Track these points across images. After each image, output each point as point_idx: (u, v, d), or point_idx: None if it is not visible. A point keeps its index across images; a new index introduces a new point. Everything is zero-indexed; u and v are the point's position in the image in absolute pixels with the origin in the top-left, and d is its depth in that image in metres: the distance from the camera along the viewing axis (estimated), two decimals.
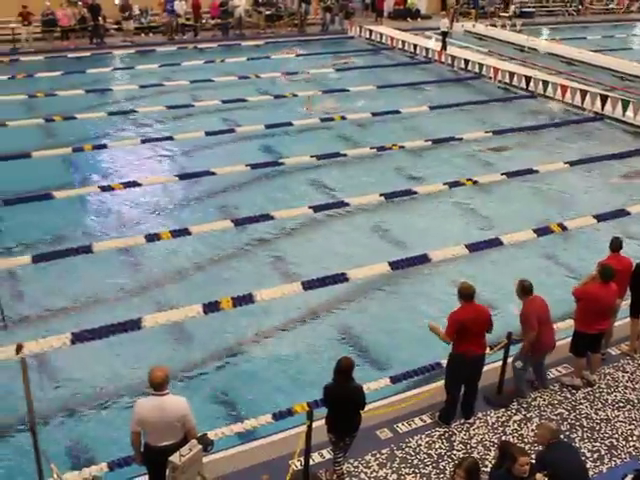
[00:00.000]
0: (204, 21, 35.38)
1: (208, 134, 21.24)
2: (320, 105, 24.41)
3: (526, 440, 9.47)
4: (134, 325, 11.84)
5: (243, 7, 35.46)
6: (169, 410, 7.45)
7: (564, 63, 32.84)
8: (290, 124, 22.46)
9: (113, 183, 17.90)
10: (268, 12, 36.95)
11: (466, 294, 9.38)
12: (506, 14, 43.61)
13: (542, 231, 15.69)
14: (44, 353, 11.23)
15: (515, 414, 10.01)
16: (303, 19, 37.38)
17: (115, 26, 33.81)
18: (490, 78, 29.01)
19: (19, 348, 10.59)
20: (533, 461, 7.93)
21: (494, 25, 40.73)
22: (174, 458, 7.03)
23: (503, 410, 10.08)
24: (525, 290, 9.85)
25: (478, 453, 9.24)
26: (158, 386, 7.44)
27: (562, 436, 9.03)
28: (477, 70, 29.81)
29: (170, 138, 21.06)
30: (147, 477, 7.94)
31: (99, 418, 10.26)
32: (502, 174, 18.83)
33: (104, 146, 20.52)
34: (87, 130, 21.86)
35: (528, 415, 9.99)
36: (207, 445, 7.56)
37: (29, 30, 31.12)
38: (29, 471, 7.96)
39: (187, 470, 7.11)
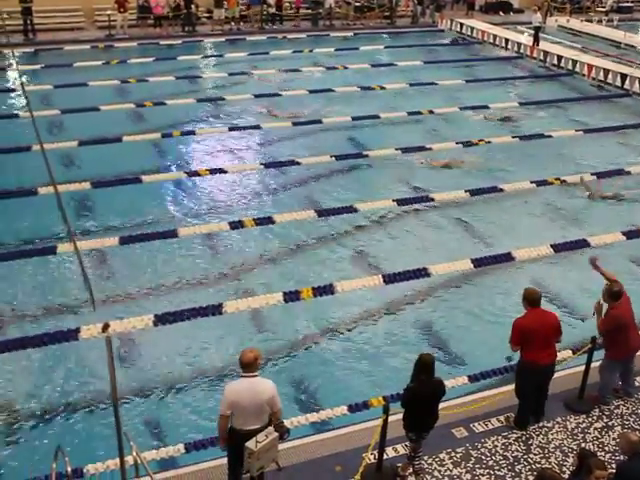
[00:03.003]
0: (293, 11, 35.55)
1: (295, 124, 21.36)
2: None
3: (607, 449, 9.21)
4: (215, 310, 12.03)
5: None
6: (260, 391, 7.47)
7: None
8: (377, 117, 22.35)
9: (200, 169, 18.21)
10: (358, 3, 36.89)
11: (531, 299, 9.12)
12: (602, 9, 42.30)
13: (633, 234, 15.21)
14: (127, 333, 11.54)
15: (596, 421, 9.75)
16: (393, 11, 37.16)
17: (207, 14, 34.28)
18: (584, 75, 28.26)
19: (105, 327, 10.89)
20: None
21: (589, 20, 39.55)
22: (250, 444, 7.11)
23: (584, 416, 9.83)
24: (612, 295, 9.54)
25: (556, 459, 9.04)
26: (248, 366, 7.46)
27: None
28: (570, 67, 29.07)
29: (257, 127, 21.27)
30: (226, 461, 8.01)
31: (176, 400, 10.47)
32: (592, 174, 18.31)
33: (192, 132, 20.86)
34: (176, 116, 22.26)
35: (610, 423, 9.70)
36: (283, 433, 7.61)
37: (124, 17, 31.89)
38: (110, 448, 8.15)
39: (262, 456, 7.18)
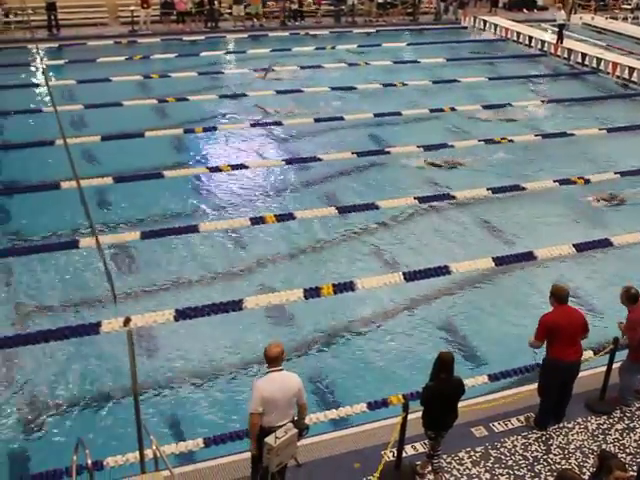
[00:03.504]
0: (316, 7, 35.53)
1: (317, 120, 21.37)
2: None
3: (628, 450, 9.14)
4: (235, 306, 12.06)
5: None
6: (290, 385, 7.46)
7: None
8: (399, 113, 22.29)
9: (221, 165, 18.26)
10: (380, 0, 36.76)
11: (559, 296, 9.06)
12: (628, 6, 41.87)
13: None
14: (148, 327, 11.61)
15: (617, 422, 9.66)
16: (416, 8, 37.02)
17: (229, 10, 34.31)
18: (608, 73, 28.01)
19: (127, 321, 10.95)
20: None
21: (614, 18, 39.21)
22: (270, 439, 7.12)
23: (605, 417, 9.75)
24: (630, 298, 9.45)
25: (576, 459, 8.97)
26: (275, 360, 7.43)
27: None
28: (594, 65, 28.83)
29: (279, 123, 21.28)
30: (251, 462, 7.96)
31: (195, 395, 10.51)
32: (615, 173, 18.15)
33: (214, 128, 20.90)
34: (198, 112, 22.33)
35: (631, 425, 9.62)
36: (302, 429, 7.62)
37: (147, 13, 32.05)
38: (130, 441, 8.19)
39: (282, 452, 7.20)
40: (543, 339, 9.01)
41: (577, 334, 9.06)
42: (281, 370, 7.49)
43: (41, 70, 24.22)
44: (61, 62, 27.20)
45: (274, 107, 22.69)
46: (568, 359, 9.05)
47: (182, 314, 11.76)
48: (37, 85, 24.34)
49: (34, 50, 27.15)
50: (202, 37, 31.76)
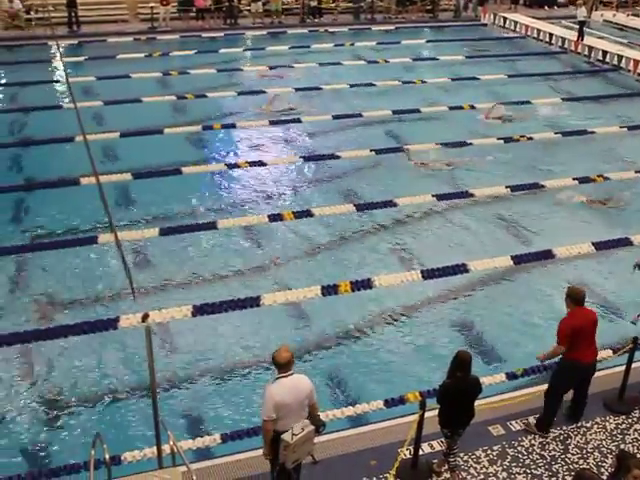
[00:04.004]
0: (335, 4, 35.48)
1: (335, 117, 21.34)
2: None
3: None
4: (253, 302, 12.08)
5: None
6: (302, 388, 7.41)
7: None
8: (418, 111, 22.23)
9: (239, 161, 18.30)
10: None
11: (577, 298, 8.94)
12: None
13: None
14: (166, 323, 11.66)
15: (636, 422, 9.59)
16: (435, 4, 36.88)
17: (248, 7, 34.35)
18: (629, 71, 27.78)
19: (145, 317, 10.99)
20: None
21: (636, 15, 38.84)
22: (286, 436, 7.12)
23: (624, 417, 9.68)
24: None
25: (594, 459, 8.92)
26: (286, 366, 7.35)
27: None
28: (615, 62, 28.62)
29: (297, 120, 21.29)
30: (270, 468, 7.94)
31: (212, 391, 10.55)
32: (636, 172, 18.01)
33: (233, 125, 20.93)
34: (217, 108, 22.37)
35: None
36: (319, 426, 7.61)
37: (167, 10, 32.17)
38: (147, 436, 8.24)
39: (298, 449, 7.20)
40: (567, 344, 8.87)
41: (594, 334, 9.01)
42: (292, 374, 7.41)
43: (61, 67, 24.35)
44: (81, 59, 27.38)
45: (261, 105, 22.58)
46: (587, 360, 9.00)
47: (200, 310, 11.80)
48: (57, 81, 24.52)
49: (54, 47, 27.30)
50: (221, 34, 31.86)
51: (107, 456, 7.37)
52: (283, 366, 7.36)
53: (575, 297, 8.96)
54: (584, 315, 8.97)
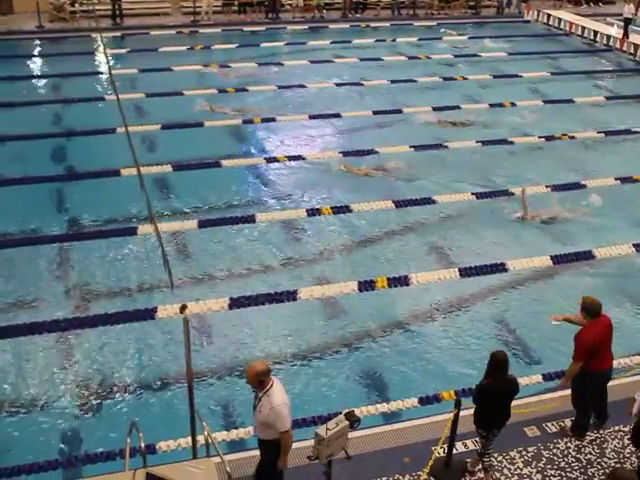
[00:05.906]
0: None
1: (375, 113, 21.27)
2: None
3: None
4: (290, 296, 12.12)
5: None
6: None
7: None
8: (458, 107, 22.07)
9: (279, 155, 18.33)
10: None
11: (594, 310, 8.65)
12: None
13: None
14: (203, 315, 11.74)
15: None
16: (478, 1, 36.54)
17: (290, 1, 34.38)
18: None
19: (183, 308, 11.09)
20: None
21: None
22: (320, 430, 7.12)
23: None
24: None
25: (631, 464, 8.79)
26: (270, 372, 7.49)
27: None
28: None
29: (337, 115, 21.25)
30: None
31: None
32: None
33: (273, 119, 20.94)
34: (257, 103, 22.41)
35: None
36: (354, 422, 7.59)
37: (209, 3, 32.30)
38: (182, 427, 8.31)
39: (332, 444, 7.19)
40: (584, 359, 8.60)
41: (611, 339, 8.85)
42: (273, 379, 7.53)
43: (105, 59, 24.61)
44: (124, 51, 27.64)
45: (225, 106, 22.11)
46: (606, 367, 8.89)
47: (237, 302, 11.87)
48: (100, 73, 24.78)
49: (98, 39, 27.59)
50: (263, 28, 31.91)
51: (142, 444, 7.45)
52: (268, 373, 7.43)
53: (592, 310, 8.66)
54: (602, 325, 8.72)
